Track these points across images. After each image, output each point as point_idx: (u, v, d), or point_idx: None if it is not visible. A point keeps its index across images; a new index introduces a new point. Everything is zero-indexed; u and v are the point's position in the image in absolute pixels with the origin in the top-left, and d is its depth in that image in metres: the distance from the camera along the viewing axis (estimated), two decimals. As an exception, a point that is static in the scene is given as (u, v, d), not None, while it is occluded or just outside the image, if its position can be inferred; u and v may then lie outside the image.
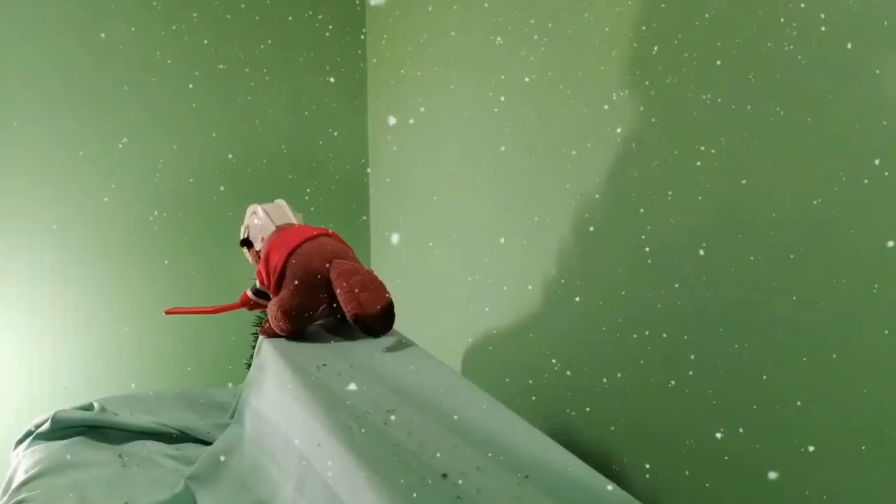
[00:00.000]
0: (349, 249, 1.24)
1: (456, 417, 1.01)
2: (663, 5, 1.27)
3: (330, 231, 1.25)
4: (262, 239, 1.27)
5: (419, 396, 1.07)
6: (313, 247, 1.16)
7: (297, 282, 1.13)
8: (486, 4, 1.75)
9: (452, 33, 1.90)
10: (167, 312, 1.38)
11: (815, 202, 1.04)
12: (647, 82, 1.32)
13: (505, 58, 1.70)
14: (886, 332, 0.95)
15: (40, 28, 1.78)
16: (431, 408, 1.04)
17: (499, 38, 1.71)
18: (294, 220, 1.31)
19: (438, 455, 0.90)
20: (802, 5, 1.04)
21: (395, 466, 0.89)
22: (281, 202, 1.35)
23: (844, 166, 1.00)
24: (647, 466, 1.36)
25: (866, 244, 0.98)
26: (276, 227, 1.27)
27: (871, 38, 0.96)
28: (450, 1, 1.90)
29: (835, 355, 1.03)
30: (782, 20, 1.07)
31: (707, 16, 1.19)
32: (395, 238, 2.32)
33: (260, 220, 1.29)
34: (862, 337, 1.00)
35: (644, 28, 1.31)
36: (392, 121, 2.27)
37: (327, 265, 1.14)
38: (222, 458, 1.28)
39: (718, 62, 1.18)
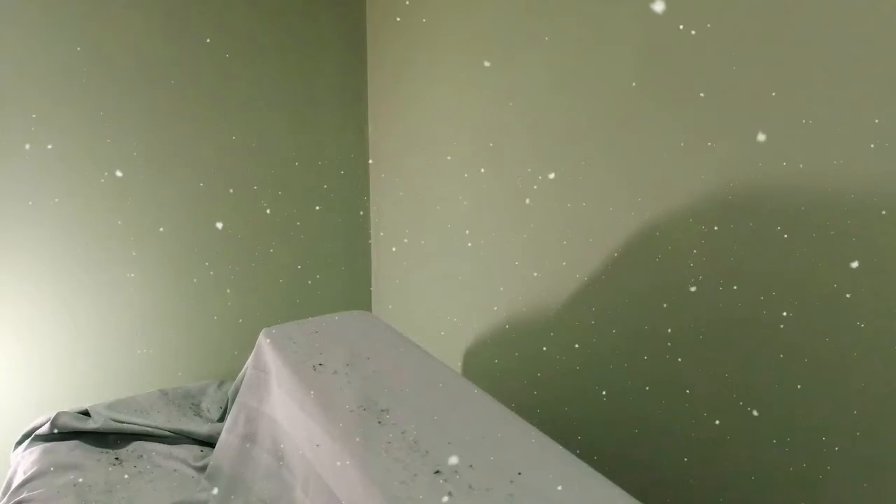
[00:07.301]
0: None
1: (450, 415, 1.01)
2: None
3: None
4: None
5: (414, 395, 1.08)
6: None
7: None
8: (485, 10, 1.76)
9: (453, 36, 1.91)
10: None
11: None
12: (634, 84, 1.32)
13: (505, 60, 1.71)
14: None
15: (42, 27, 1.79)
16: (425, 406, 1.04)
17: (500, 42, 1.73)
18: None
19: (430, 452, 0.91)
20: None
21: (389, 464, 0.89)
22: None
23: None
24: (645, 465, 1.36)
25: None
26: None
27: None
28: (451, 4, 1.91)
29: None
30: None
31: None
32: (394, 238, 2.32)
33: None
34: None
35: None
36: (393, 119, 2.28)
37: None
38: (223, 462, 1.28)
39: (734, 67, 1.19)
